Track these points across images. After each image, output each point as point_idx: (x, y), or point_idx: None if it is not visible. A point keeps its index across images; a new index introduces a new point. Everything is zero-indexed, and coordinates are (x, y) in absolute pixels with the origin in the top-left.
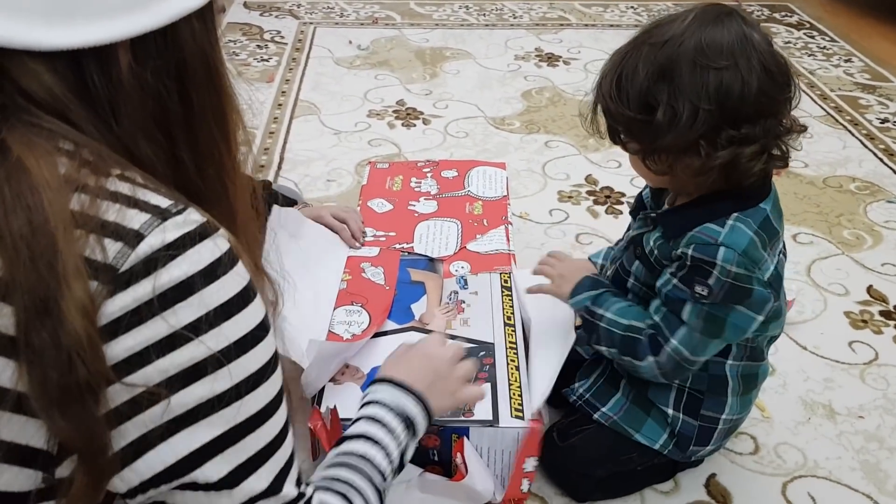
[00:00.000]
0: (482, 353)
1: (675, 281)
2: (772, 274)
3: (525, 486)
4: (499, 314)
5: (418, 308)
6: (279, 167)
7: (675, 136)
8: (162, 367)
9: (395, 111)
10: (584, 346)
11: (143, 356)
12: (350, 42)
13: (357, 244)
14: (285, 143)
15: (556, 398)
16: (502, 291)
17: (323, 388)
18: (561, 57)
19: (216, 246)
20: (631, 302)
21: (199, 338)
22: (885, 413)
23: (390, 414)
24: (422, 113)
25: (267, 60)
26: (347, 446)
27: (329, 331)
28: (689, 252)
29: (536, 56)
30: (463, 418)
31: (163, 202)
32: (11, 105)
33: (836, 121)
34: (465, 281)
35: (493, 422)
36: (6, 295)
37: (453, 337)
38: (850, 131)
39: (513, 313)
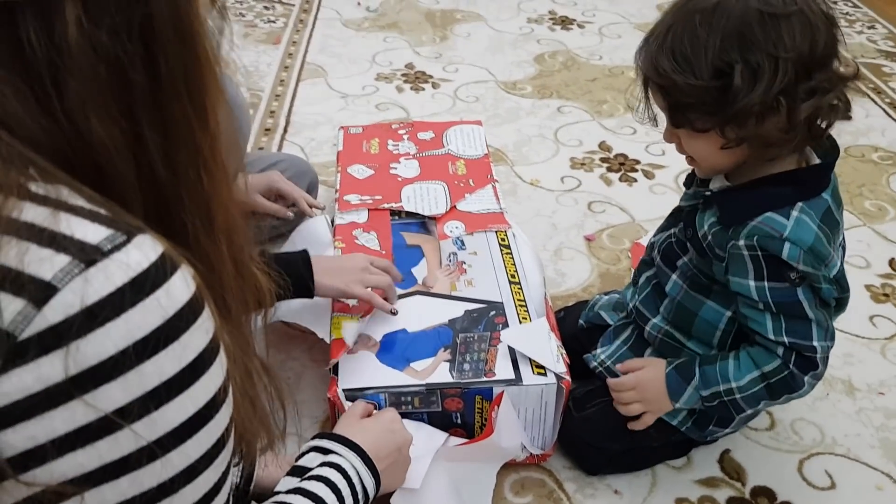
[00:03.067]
0: (492, 313)
1: (768, 285)
2: (839, 269)
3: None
4: (502, 273)
5: (419, 272)
6: (285, 130)
7: (760, 94)
8: (78, 462)
9: (403, 74)
10: (706, 429)
11: (51, 448)
12: (359, 4)
13: (315, 210)
14: (291, 106)
15: (574, 366)
16: (501, 250)
17: (338, 360)
18: (575, 20)
19: (168, 297)
20: (731, 356)
21: (130, 426)
22: None
23: (348, 488)
24: (431, 76)
25: (273, 22)
26: (294, 499)
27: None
28: (755, 245)
29: (550, 19)
30: (485, 379)
31: (94, 233)
32: None
33: (859, 88)
34: (462, 241)
35: (516, 380)
36: None
37: (458, 298)
38: (873, 100)
39: (516, 271)
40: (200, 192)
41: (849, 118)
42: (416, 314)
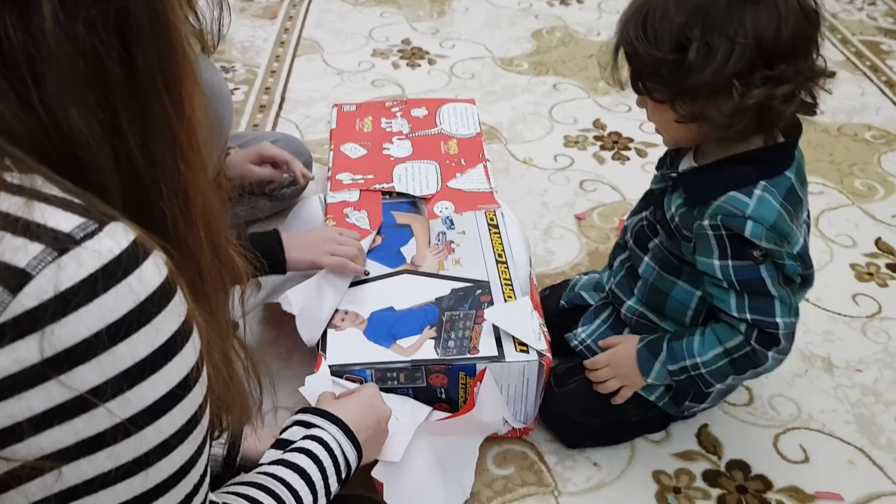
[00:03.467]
0: (478, 292)
1: (732, 263)
2: (802, 245)
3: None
4: (489, 252)
5: (408, 251)
6: (280, 107)
7: (710, 74)
8: (55, 438)
9: (400, 50)
10: (682, 404)
11: (29, 426)
12: None
13: (305, 177)
14: (287, 82)
15: (556, 344)
16: (489, 229)
17: (325, 335)
18: None
19: (139, 282)
20: (697, 332)
21: (104, 404)
22: (884, 367)
23: (329, 459)
24: (427, 52)
25: None
26: (277, 469)
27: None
28: (719, 224)
29: None
30: (469, 356)
31: (66, 222)
32: None
33: (856, 67)
34: (451, 221)
35: (499, 357)
36: None
37: (445, 277)
38: (869, 78)
39: (503, 251)
40: (178, 180)
41: (812, 114)
42: (404, 292)
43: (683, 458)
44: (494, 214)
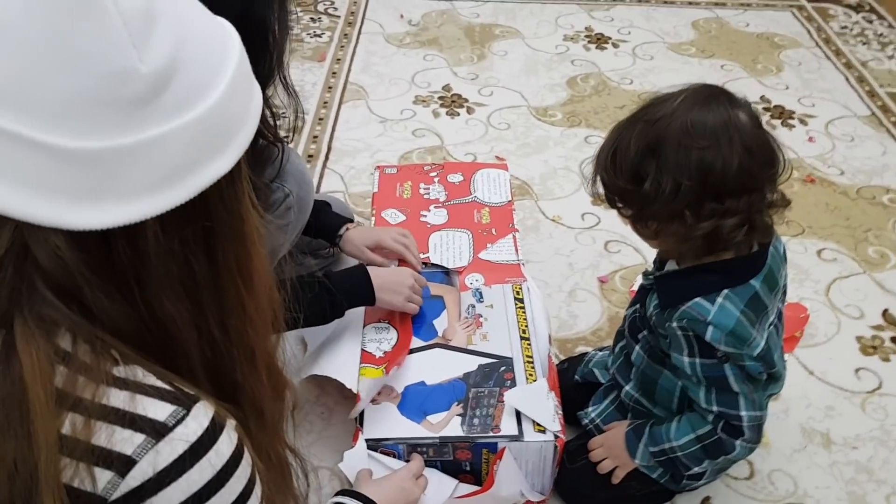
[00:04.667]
0: (503, 368)
1: (699, 360)
2: (762, 348)
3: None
4: (514, 328)
5: (440, 324)
6: (326, 157)
7: (659, 206)
8: None
9: (440, 97)
10: (680, 482)
11: None
12: (402, 16)
13: (419, 267)
14: (333, 130)
15: (570, 418)
16: (515, 304)
17: (363, 410)
18: (610, 38)
19: (217, 455)
20: (676, 419)
21: None
22: (879, 445)
23: None
24: (466, 100)
25: (319, 36)
26: None
27: (362, 349)
28: (685, 326)
29: (586, 37)
30: (492, 434)
31: (162, 411)
32: (24, 287)
33: (881, 123)
34: (481, 294)
35: (519, 437)
36: None
37: (473, 353)
38: (892, 135)
39: (527, 327)
40: (247, 342)
41: (765, 240)
42: (435, 367)
43: None
44: (521, 289)
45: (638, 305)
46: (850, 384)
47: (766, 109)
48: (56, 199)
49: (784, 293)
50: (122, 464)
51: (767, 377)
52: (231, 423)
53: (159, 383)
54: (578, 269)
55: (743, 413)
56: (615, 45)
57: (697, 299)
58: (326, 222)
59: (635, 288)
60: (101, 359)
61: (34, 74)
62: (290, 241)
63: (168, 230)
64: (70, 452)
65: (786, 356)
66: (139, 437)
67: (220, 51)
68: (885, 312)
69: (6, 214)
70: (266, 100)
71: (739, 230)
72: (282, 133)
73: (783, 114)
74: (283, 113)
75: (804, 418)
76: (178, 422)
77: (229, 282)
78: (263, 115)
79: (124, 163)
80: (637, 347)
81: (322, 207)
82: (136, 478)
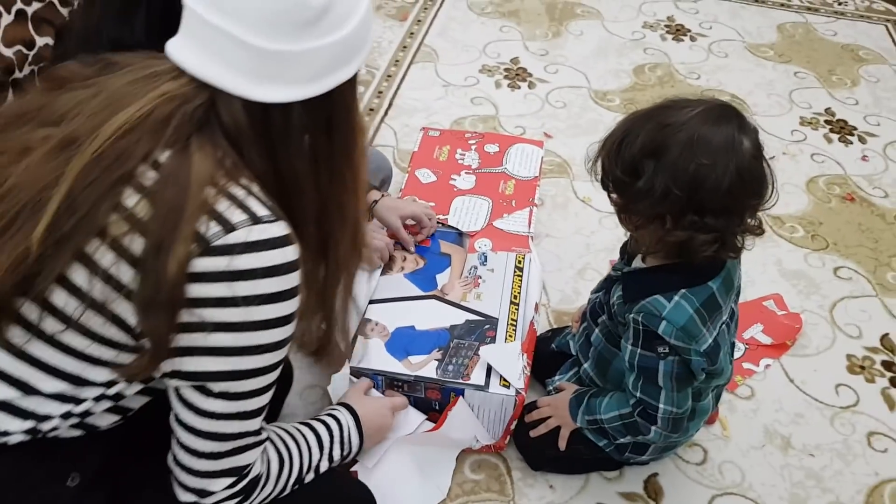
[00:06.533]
0: (486, 326)
1: (639, 351)
2: (709, 345)
3: (507, 440)
4: (507, 293)
5: (442, 278)
6: (385, 113)
7: (646, 206)
8: (213, 315)
9: (506, 69)
10: (623, 454)
11: (205, 302)
12: None
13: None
14: (398, 88)
15: (541, 378)
16: (515, 272)
17: (355, 340)
18: (690, 31)
19: (282, 255)
20: (609, 392)
21: (242, 308)
22: (836, 456)
23: (338, 431)
24: (531, 75)
25: None
26: (303, 429)
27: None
28: (640, 319)
29: (665, 27)
30: (461, 381)
31: (261, 211)
32: (206, 124)
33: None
34: (486, 258)
35: (484, 387)
36: (144, 231)
37: (464, 308)
38: None
39: (520, 293)
40: (343, 201)
41: (730, 258)
42: (427, 315)
43: (626, 498)
44: (523, 259)
45: (602, 292)
46: (826, 397)
47: (828, 122)
48: (248, 78)
49: (738, 294)
50: (229, 226)
51: (709, 374)
52: (297, 245)
53: (266, 199)
54: (594, 250)
55: (661, 406)
56: (692, 39)
57: (657, 296)
58: None
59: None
60: (236, 169)
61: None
62: None
63: (308, 111)
64: (203, 209)
65: (769, 361)
66: (244, 216)
67: None
68: (884, 337)
69: (215, 84)
70: None
71: (710, 246)
72: None
73: (843, 128)
74: None
75: (770, 420)
76: (270, 221)
77: (340, 156)
78: None
79: (291, 62)
80: (596, 330)
81: None
82: (232, 238)
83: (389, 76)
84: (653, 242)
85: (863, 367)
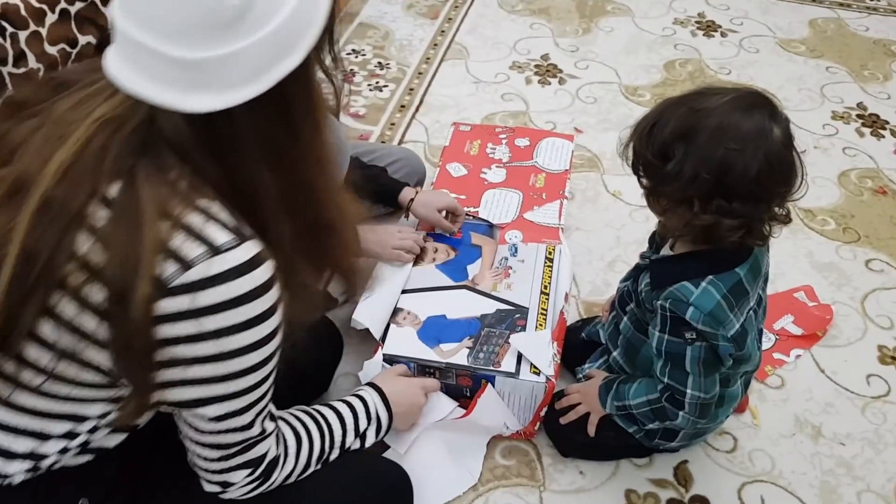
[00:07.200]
0: (517, 315)
1: (667, 337)
2: (737, 331)
3: (536, 427)
4: (538, 283)
5: (473, 269)
6: (416, 109)
7: (674, 188)
8: (186, 352)
9: (536, 65)
10: (653, 441)
11: (175, 341)
12: None
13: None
14: (429, 85)
15: (571, 367)
16: (545, 263)
17: (388, 328)
18: (721, 27)
19: (250, 280)
20: (638, 379)
21: (214, 341)
22: (867, 445)
23: (363, 409)
24: (561, 71)
25: None
26: (322, 409)
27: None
28: (667, 306)
29: (696, 23)
30: (492, 368)
31: (221, 237)
32: (150, 146)
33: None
34: (516, 249)
35: (515, 374)
36: (102, 280)
37: (495, 298)
38: None
39: (550, 283)
40: (313, 188)
41: (757, 245)
42: (458, 305)
43: (656, 484)
44: (554, 250)
45: (630, 281)
46: (857, 387)
47: (860, 116)
48: (176, 90)
49: (766, 280)
50: (185, 263)
51: (737, 360)
52: (270, 263)
53: (228, 219)
54: (624, 243)
55: (688, 391)
56: (723, 34)
57: (684, 282)
58: (387, 186)
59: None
60: (192, 191)
61: (165, 11)
62: None
63: (255, 110)
64: (158, 249)
65: (800, 351)
66: (201, 249)
67: None
68: None
69: (144, 99)
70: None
71: (737, 232)
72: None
73: (875, 122)
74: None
75: (801, 409)
76: (231, 248)
77: (301, 143)
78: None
79: (221, 66)
80: (625, 318)
81: (379, 173)
82: (191, 276)
83: (420, 73)
84: (680, 226)
85: (894, 358)
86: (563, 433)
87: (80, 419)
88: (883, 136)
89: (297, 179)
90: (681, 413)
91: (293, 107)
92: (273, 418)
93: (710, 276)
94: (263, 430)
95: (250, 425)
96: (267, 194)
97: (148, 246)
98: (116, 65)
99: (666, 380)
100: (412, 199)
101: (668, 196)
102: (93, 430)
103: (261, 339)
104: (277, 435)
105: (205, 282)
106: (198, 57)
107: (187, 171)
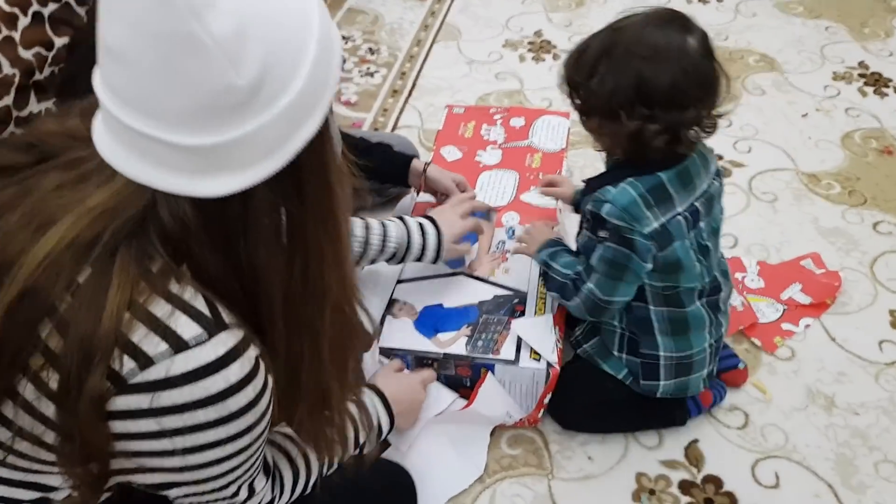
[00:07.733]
0: (516, 301)
1: (587, 233)
2: (654, 229)
3: (541, 413)
4: (536, 267)
5: (469, 255)
6: (409, 94)
7: (600, 102)
8: (144, 446)
9: (530, 42)
10: (639, 384)
11: (133, 436)
12: None
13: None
14: (421, 68)
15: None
16: None
17: (384, 321)
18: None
19: (222, 379)
20: (573, 257)
21: (172, 439)
22: (882, 414)
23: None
24: (555, 46)
25: None
26: None
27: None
28: (589, 208)
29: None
30: (491, 356)
31: (190, 331)
32: (139, 233)
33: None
34: (513, 231)
35: (515, 362)
36: (57, 367)
37: (492, 283)
38: None
39: None
40: (322, 286)
41: (687, 152)
42: (455, 292)
43: (667, 466)
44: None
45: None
46: (870, 354)
47: (861, 75)
48: (183, 175)
49: (709, 199)
50: (145, 360)
51: (666, 267)
52: (250, 355)
53: (202, 307)
54: None
55: (588, 284)
56: (719, 0)
57: (607, 186)
58: (396, 160)
59: None
60: (163, 276)
61: (160, 96)
62: None
63: (274, 185)
64: (117, 342)
65: (809, 321)
66: (163, 346)
67: (302, 39)
68: None
69: (149, 185)
70: None
71: (660, 137)
72: None
73: (878, 81)
74: None
75: (812, 380)
76: (198, 344)
77: (316, 218)
78: None
79: (232, 149)
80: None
81: (385, 149)
82: (151, 374)
83: (412, 57)
84: (612, 142)
85: None
86: (564, 399)
87: (49, 489)
88: (887, 95)
89: (305, 269)
90: (575, 299)
91: (309, 175)
92: (267, 470)
93: (631, 179)
94: (252, 491)
95: (234, 494)
96: (268, 284)
97: (104, 337)
98: (112, 148)
99: (578, 268)
100: (427, 164)
101: (597, 111)
102: (69, 498)
103: (237, 432)
104: (273, 476)
105: (166, 382)
106: (207, 143)
107: (167, 260)
